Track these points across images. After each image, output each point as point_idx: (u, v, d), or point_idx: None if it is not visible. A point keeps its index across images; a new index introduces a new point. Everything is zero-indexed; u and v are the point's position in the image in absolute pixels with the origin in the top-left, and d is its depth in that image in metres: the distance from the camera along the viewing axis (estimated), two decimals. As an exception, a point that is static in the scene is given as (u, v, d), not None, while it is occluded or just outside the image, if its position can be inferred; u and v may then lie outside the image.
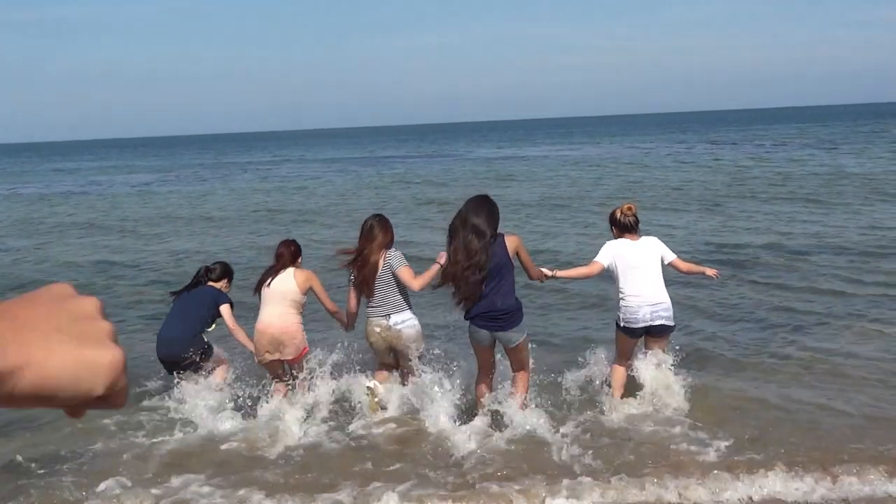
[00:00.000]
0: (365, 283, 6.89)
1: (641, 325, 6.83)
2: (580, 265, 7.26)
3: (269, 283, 7.04)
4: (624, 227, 7.03)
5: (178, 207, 27.64)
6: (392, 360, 7.16)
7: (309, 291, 7.12)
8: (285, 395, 7.14)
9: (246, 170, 51.03)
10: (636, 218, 7.09)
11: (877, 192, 21.93)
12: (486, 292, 6.31)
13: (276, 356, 7.02)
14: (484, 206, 6.38)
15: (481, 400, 6.72)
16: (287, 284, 7.00)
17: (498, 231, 6.38)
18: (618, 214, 7.08)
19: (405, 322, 6.90)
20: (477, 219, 6.29)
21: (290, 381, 7.23)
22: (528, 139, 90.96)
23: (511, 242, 6.36)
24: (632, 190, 26.13)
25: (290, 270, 7.08)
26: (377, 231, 6.95)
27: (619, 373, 7.12)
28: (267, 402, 7.10)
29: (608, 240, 7.18)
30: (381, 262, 6.88)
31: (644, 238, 7.11)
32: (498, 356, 6.78)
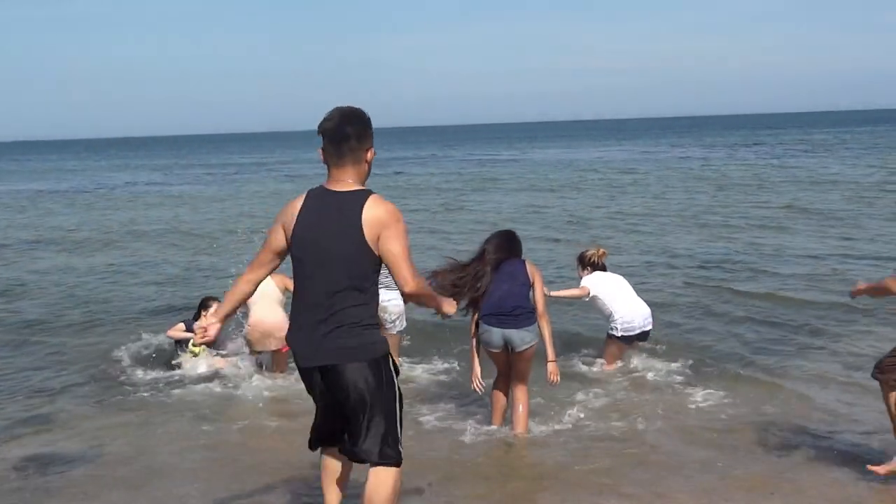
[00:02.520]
0: None
1: (637, 331, 8.16)
2: (569, 287, 8.06)
3: None
4: (599, 267, 8.32)
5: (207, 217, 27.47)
6: None
7: (286, 291, 7.86)
8: None
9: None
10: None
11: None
12: (498, 292, 6.35)
13: (264, 348, 8.10)
14: (514, 246, 6.58)
15: (498, 408, 6.71)
16: (268, 286, 7.77)
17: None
18: (594, 258, 8.33)
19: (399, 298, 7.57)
20: (501, 256, 6.49)
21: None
22: (534, 142, 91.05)
23: (531, 268, 6.51)
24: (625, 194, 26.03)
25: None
26: None
27: (613, 372, 8.15)
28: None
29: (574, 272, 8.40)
30: None
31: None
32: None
